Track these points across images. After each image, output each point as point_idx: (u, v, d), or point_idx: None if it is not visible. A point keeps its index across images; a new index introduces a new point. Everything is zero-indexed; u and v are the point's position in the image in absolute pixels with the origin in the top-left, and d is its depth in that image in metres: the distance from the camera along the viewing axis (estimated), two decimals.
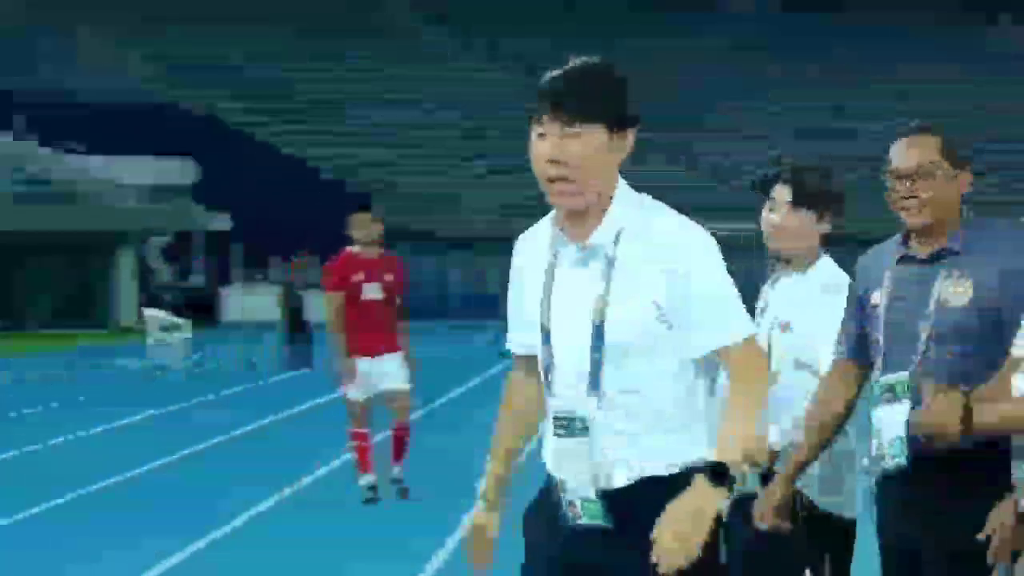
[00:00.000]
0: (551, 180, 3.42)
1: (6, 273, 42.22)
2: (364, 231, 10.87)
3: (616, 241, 3.47)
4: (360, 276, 10.84)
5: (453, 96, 53.42)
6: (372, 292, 10.86)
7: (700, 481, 3.35)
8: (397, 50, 55.94)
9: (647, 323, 3.43)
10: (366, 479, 10.97)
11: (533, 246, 3.62)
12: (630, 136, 3.47)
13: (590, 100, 3.42)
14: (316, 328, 21.73)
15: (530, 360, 3.67)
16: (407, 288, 11.18)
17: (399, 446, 11.16)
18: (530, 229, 3.67)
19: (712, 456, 3.41)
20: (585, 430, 3.49)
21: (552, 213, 3.57)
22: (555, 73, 3.46)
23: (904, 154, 4.10)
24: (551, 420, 3.56)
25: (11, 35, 51.47)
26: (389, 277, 10.93)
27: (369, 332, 10.75)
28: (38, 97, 45.87)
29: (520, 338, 3.69)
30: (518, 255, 3.67)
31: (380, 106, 52.82)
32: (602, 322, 3.45)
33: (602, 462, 3.48)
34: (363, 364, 10.81)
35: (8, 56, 49.50)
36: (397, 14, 59.20)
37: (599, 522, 3.49)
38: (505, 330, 3.73)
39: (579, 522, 3.51)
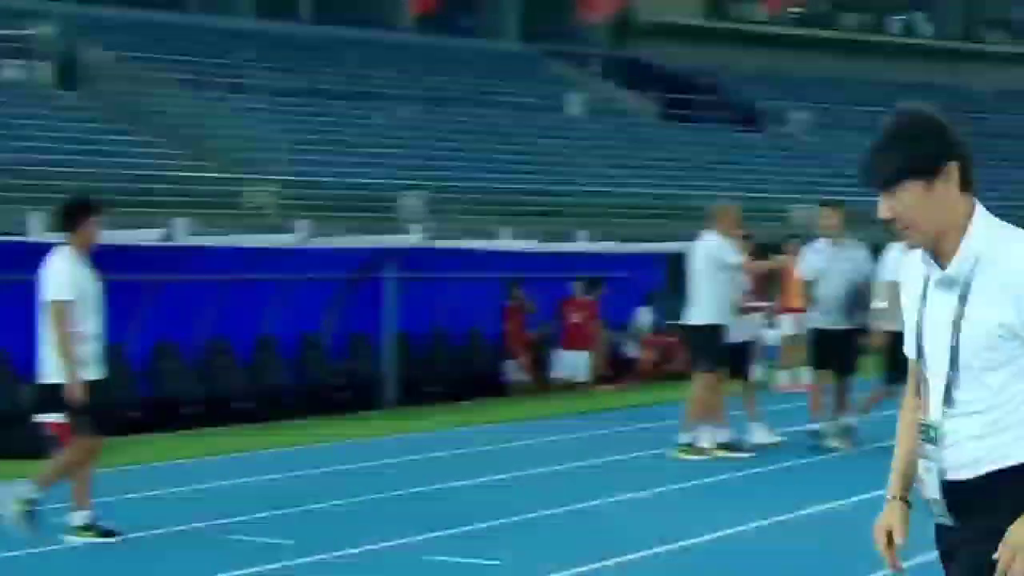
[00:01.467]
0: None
1: None
2: None
3: (973, 268, 3.58)
4: None
5: None
6: None
7: None
8: None
9: (992, 342, 3.55)
10: None
11: (914, 265, 3.75)
12: (950, 169, 3.57)
13: (889, 170, 3.59)
14: None
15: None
16: None
17: None
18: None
19: None
20: (938, 438, 3.65)
21: None
22: (865, 149, 3.63)
23: None
24: (917, 425, 3.73)
25: None
26: None
27: None
28: None
29: (912, 346, 3.78)
30: (905, 271, 3.82)
31: None
32: (957, 343, 3.59)
33: (948, 467, 3.63)
34: None
35: None
36: None
37: (945, 521, 3.67)
38: None
39: (936, 518, 3.70)
